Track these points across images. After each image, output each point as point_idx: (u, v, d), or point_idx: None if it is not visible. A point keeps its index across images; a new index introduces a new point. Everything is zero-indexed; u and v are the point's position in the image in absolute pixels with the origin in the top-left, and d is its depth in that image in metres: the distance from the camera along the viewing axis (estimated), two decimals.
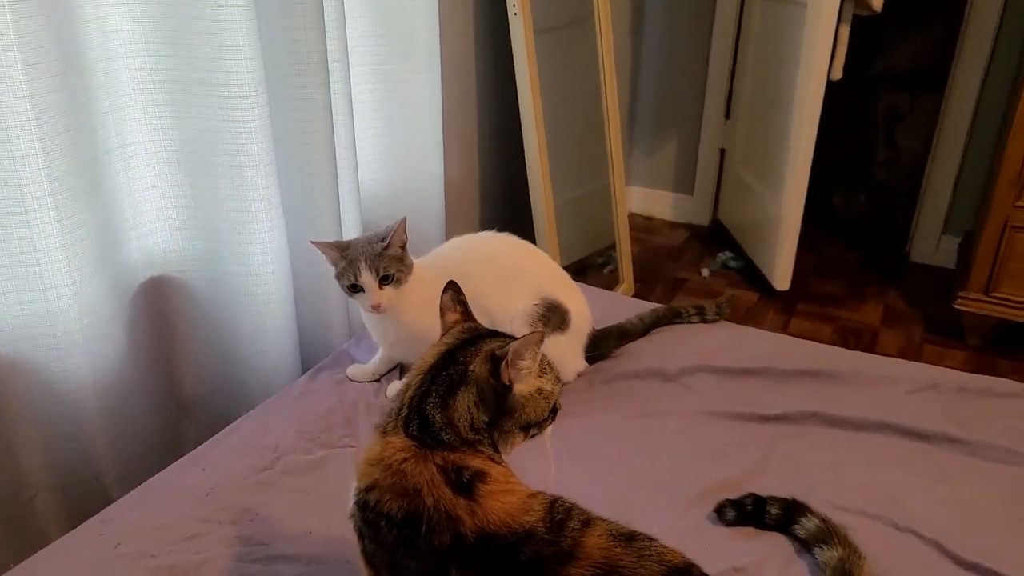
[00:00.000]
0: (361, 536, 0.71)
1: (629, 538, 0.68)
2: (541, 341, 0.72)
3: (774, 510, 0.97)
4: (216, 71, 1.16)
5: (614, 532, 0.68)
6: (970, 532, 0.95)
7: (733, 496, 1.03)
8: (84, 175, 1.07)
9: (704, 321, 1.50)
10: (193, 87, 1.17)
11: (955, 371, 1.31)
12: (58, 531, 1.20)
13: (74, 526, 1.20)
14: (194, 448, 1.41)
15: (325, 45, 1.27)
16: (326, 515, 1.01)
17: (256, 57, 1.17)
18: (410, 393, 0.73)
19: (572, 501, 0.71)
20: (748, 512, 0.99)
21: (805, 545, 0.94)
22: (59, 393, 1.13)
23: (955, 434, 1.12)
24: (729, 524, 0.99)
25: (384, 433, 0.73)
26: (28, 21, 0.93)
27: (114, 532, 0.97)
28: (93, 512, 1.18)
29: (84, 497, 1.21)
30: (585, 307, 1.35)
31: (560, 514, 0.68)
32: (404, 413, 0.72)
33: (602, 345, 1.39)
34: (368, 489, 0.69)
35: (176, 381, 1.41)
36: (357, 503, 0.71)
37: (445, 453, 0.69)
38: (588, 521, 0.68)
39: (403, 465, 0.68)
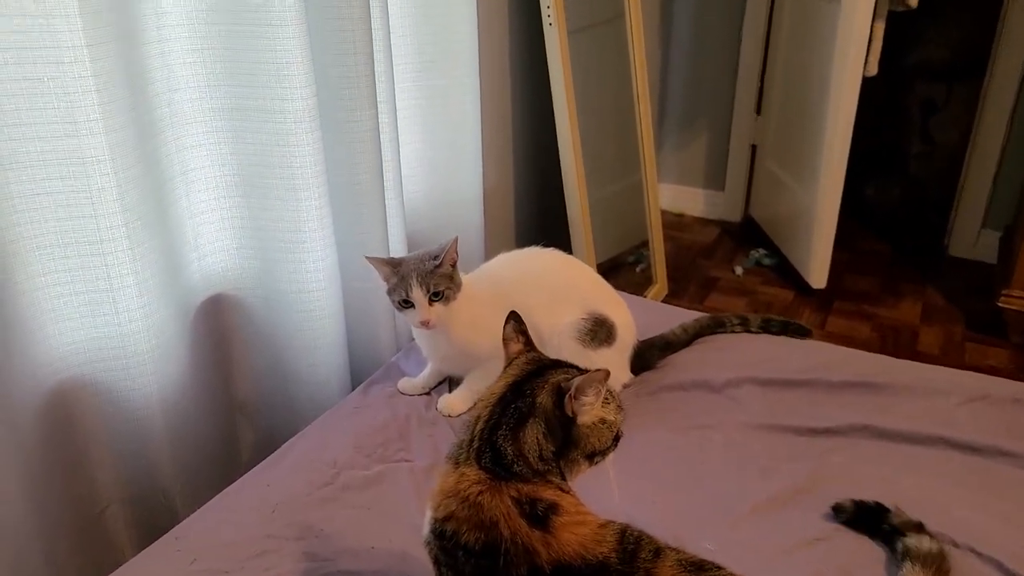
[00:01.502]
0: (437, 563, 0.74)
1: (698, 568, 0.70)
2: (605, 379, 0.74)
3: (896, 520, 0.98)
4: (272, 99, 1.19)
5: (684, 562, 0.70)
6: None
7: (786, 510, 1.05)
8: (152, 203, 1.12)
9: (747, 331, 1.51)
10: (250, 114, 1.21)
11: (1007, 381, 1.30)
12: (127, 542, 1.26)
13: (141, 537, 1.26)
14: (250, 460, 1.47)
15: (373, 68, 1.30)
16: (386, 530, 1.05)
17: (310, 84, 1.20)
18: (480, 425, 0.76)
19: (639, 529, 0.73)
20: (868, 508, 1.01)
21: (903, 556, 0.94)
22: (128, 411, 1.18)
23: (1009, 447, 1.12)
24: (844, 522, 1.02)
25: (456, 464, 0.75)
26: (104, 63, 0.97)
27: (188, 548, 1.01)
28: (159, 523, 1.23)
29: (150, 509, 1.26)
30: (630, 320, 1.36)
31: (631, 544, 0.70)
32: (476, 445, 0.75)
33: (647, 356, 1.40)
34: (445, 519, 0.72)
35: (233, 396, 1.45)
36: (433, 532, 0.73)
37: (518, 485, 0.72)
38: (658, 551, 0.71)
39: (479, 498, 0.71)
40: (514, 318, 0.85)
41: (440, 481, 0.75)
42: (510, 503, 0.70)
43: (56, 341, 1.10)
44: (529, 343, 0.84)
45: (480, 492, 0.71)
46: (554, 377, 0.77)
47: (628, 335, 1.35)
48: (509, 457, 0.73)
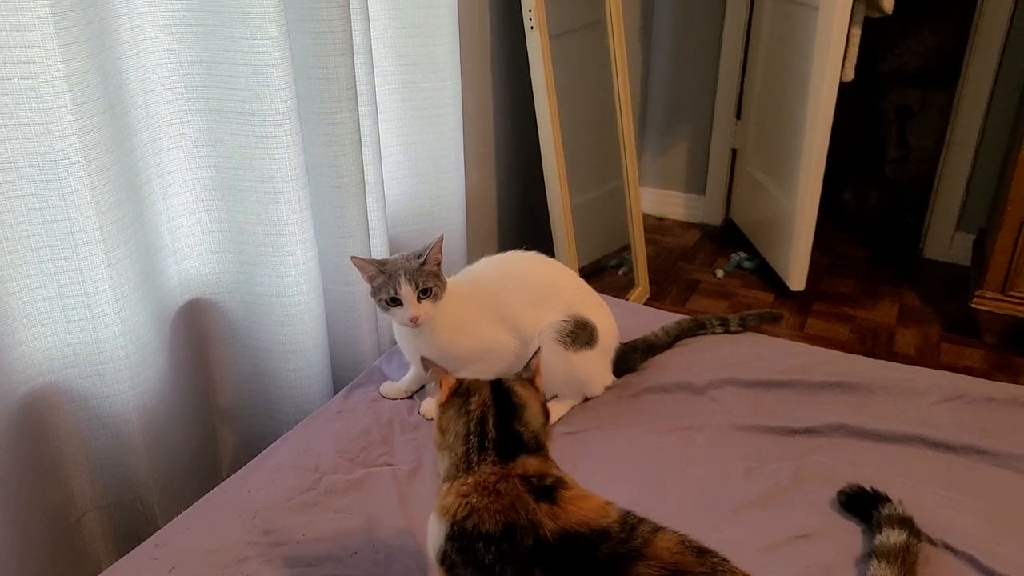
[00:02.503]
0: (453, 567, 0.75)
1: (701, 551, 0.73)
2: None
3: (887, 511, 0.99)
4: (251, 101, 1.18)
5: (686, 542, 0.73)
6: (1003, 544, 0.97)
7: (768, 509, 1.06)
8: (127, 206, 1.10)
9: (728, 332, 1.52)
10: (229, 116, 1.20)
11: (981, 380, 1.33)
12: (104, 550, 1.24)
13: (119, 546, 1.24)
14: (230, 466, 1.45)
15: (354, 70, 1.29)
16: (369, 535, 1.04)
17: (289, 86, 1.19)
18: (488, 424, 0.80)
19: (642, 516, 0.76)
20: (867, 496, 1.03)
21: (871, 555, 0.95)
22: (104, 417, 1.16)
23: (984, 445, 1.14)
24: (842, 504, 1.06)
25: (468, 471, 0.78)
26: (77, 63, 0.95)
27: (167, 556, 1.00)
28: (137, 530, 1.22)
29: (128, 517, 1.24)
30: (612, 323, 1.37)
31: (633, 520, 0.74)
32: (492, 436, 0.78)
33: (629, 359, 1.41)
34: (466, 518, 0.74)
35: (212, 402, 1.44)
36: (451, 536, 0.75)
37: (525, 461, 0.77)
38: (659, 528, 0.74)
39: (497, 485, 0.76)
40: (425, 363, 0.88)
41: (449, 496, 0.77)
42: (518, 483, 0.75)
43: (29, 347, 1.07)
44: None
45: (496, 481, 0.76)
46: (510, 379, 0.84)
47: (610, 338, 1.36)
48: (525, 437, 0.79)
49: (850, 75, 2.48)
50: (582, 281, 1.39)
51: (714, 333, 1.52)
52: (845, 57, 2.41)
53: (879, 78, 3.23)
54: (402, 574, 0.98)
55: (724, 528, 1.04)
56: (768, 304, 2.67)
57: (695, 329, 1.51)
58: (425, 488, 1.12)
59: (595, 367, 1.33)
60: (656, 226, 3.31)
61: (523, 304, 1.28)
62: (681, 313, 1.68)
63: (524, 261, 1.36)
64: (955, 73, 2.79)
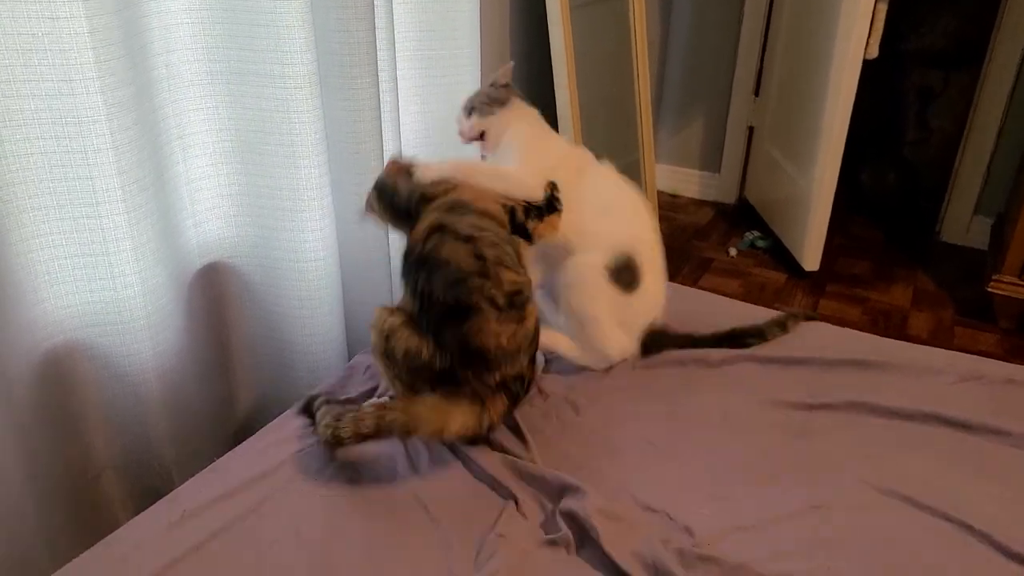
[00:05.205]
0: None
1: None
2: None
3: None
4: (272, 63, 1.17)
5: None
6: (1020, 525, 0.97)
7: (781, 483, 1.06)
8: (148, 166, 1.10)
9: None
10: (249, 79, 1.19)
11: (1000, 362, 1.32)
12: (121, 507, 1.26)
13: (136, 503, 1.26)
14: (244, 429, 1.47)
15: (375, 35, 1.28)
16: (385, 495, 1.05)
17: (310, 49, 1.18)
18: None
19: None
20: None
21: None
22: (123, 376, 1.18)
23: (1002, 426, 1.13)
24: None
25: None
26: (100, 19, 0.95)
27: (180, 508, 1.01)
28: (154, 488, 1.23)
29: (145, 475, 1.26)
30: (660, 290, 1.32)
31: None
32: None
33: (663, 342, 1.35)
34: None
35: (228, 364, 1.45)
36: None
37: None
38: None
39: None
40: None
41: None
42: None
43: (51, 304, 1.08)
44: None
45: None
46: None
47: (650, 301, 1.30)
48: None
49: (874, 53, 2.44)
50: (657, 238, 1.33)
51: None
52: (869, 34, 2.37)
53: (901, 57, 3.17)
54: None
55: (735, 498, 1.04)
56: (781, 284, 2.65)
57: (747, 338, 1.38)
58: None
59: (611, 316, 1.27)
60: (669, 203, 3.28)
61: (590, 206, 1.25)
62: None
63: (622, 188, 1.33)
64: (979, 55, 2.74)
